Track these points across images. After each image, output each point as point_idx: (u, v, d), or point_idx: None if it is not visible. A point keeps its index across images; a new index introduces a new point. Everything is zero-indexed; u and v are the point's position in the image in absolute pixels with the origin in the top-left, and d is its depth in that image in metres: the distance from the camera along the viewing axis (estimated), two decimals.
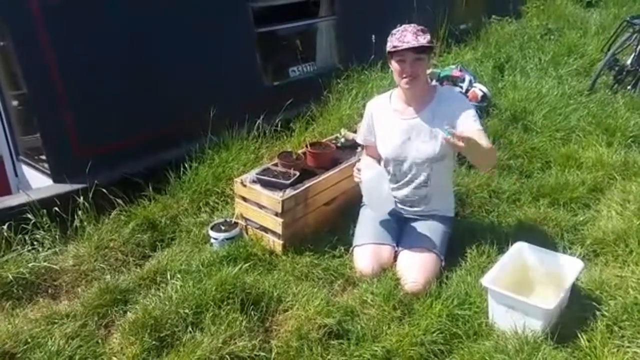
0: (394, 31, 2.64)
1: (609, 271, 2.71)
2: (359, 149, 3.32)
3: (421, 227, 2.84)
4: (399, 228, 2.91)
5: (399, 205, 2.89)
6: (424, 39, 2.56)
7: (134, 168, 4.03)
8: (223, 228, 3.08)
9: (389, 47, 2.64)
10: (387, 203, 2.73)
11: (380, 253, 2.76)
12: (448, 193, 2.97)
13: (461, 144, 2.37)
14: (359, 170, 2.73)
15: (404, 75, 2.63)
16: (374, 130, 2.90)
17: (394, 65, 2.66)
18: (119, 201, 3.43)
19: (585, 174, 3.61)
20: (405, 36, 2.57)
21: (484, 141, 2.54)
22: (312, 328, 2.30)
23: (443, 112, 2.66)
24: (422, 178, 2.78)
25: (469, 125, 2.60)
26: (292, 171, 3.05)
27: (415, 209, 2.88)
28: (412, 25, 2.62)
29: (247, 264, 2.73)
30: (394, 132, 2.79)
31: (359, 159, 2.99)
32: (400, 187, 2.85)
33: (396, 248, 2.82)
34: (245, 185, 3.06)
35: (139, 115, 4.31)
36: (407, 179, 2.81)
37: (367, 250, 2.78)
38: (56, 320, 2.51)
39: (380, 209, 2.79)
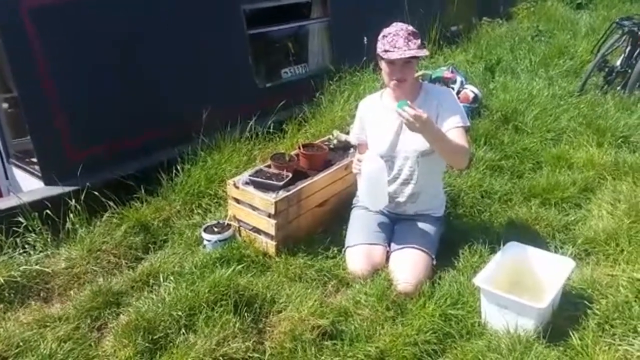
0: (385, 32, 2.63)
1: (600, 270, 2.73)
2: (352, 150, 3.33)
3: (412, 226, 2.84)
4: (390, 228, 2.91)
5: (388, 207, 2.87)
6: (414, 45, 2.56)
7: (125, 170, 4.02)
8: (216, 230, 3.07)
9: (379, 49, 2.64)
10: (383, 198, 2.72)
11: (372, 253, 2.76)
12: (437, 192, 2.96)
13: (411, 119, 2.37)
14: (359, 161, 2.72)
15: (394, 78, 2.66)
16: (365, 128, 2.92)
17: (383, 67, 2.69)
18: (111, 204, 3.41)
19: (576, 174, 3.63)
20: (397, 41, 2.56)
21: (456, 138, 2.56)
22: (305, 329, 2.30)
23: (428, 107, 2.66)
24: (407, 172, 2.77)
25: (448, 119, 2.63)
26: (284, 173, 3.05)
27: (404, 208, 2.88)
28: (404, 27, 2.61)
29: (240, 266, 2.73)
30: (384, 128, 2.80)
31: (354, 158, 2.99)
32: (388, 183, 2.84)
33: (388, 248, 2.82)
34: (238, 187, 3.06)
35: (130, 117, 4.30)
36: (394, 173, 2.81)
37: (359, 250, 2.77)
38: (48, 324, 2.50)
39: (375, 204, 2.77)
